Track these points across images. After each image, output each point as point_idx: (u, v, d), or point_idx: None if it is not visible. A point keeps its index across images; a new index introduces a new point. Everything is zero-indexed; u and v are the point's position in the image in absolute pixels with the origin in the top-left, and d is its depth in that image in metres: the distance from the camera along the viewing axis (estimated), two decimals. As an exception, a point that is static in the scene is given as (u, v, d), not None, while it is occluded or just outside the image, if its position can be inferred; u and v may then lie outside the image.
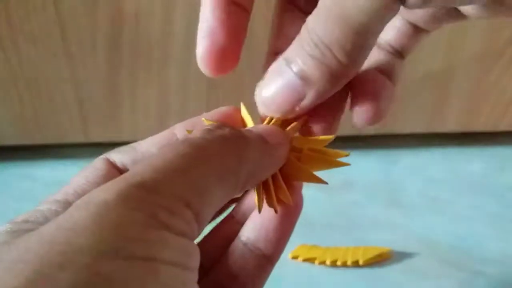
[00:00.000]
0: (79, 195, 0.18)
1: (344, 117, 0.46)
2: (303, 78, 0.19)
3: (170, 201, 0.15)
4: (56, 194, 0.19)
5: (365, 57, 0.19)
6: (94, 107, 0.43)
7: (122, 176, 0.15)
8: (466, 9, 0.20)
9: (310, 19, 0.19)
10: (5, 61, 0.39)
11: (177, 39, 0.39)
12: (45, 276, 0.12)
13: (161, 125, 0.46)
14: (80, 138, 0.44)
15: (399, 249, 0.40)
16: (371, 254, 0.38)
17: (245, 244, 0.21)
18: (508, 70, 0.44)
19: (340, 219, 0.34)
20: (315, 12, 0.18)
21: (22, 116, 0.42)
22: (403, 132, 0.49)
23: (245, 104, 0.23)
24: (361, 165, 0.47)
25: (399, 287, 0.35)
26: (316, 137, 0.21)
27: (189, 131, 0.20)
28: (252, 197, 0.21)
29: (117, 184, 0.14)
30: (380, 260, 0.39)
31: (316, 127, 0.21)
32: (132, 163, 0.20)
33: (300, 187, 0.21)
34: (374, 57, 0.22)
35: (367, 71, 0.21)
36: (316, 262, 0.36)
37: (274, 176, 0.20)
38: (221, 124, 0.18)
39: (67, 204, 0.18)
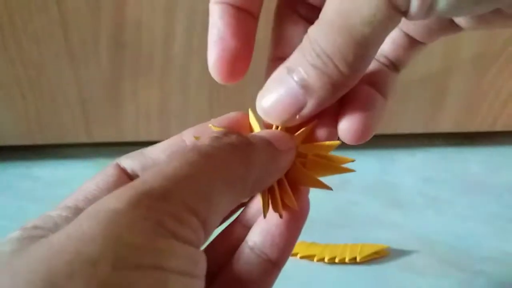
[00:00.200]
0: (90, 201, 0.19)
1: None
2: (304, 87, 0.19)
3: (178, 209, 0.15)
4: (66, 199, 0.19)
5: (366, 68, 0.19)
6: (96, 107, 0.43)
7: (132, 184, 0.15)
8: (461, 21, 0.21)
9: (313, 29, 0.19)
10: (8, 61, 0.40)
11: (179, 40, 0.40)
12: (54, 286, 0.12)
13: (163, 126, 0.47)
14: (82, 138, 0.45)
15: (397, 247, 0.40)
16: (368, 251, 0.38)
17: (251, 249, 0.21)
18: (505, 70, 0.44)
19: (338, 217, 0.35)
20: (318, 22, 0.19)
21: (24, 116, 0.43)
22: (401, 132, 0.50)
23: (247, 106, 0.23)
24: (359, 165, 0.46)
25: (397, 284, 0.35)
26: (321, 143, 0.21)
27: (197, 138, 0.20)
28: (259, 202, 0.21)
29: (127, 192, 0.15)
30: (378, 257, 0.39)
31: (321, 133, 0.21)
32: (141, 169, 0.20)
33: (306, 193, 0.21)
34: (367, 69, 0.22)
35: (358, 84, 0.20)
36: (315, 259, 0.36)
37: (279, 181, 0.20)
38: (228, 131, 0.19)
39: (77, 210, 0.18)
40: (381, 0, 0.17)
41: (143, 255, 0.13)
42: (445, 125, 0.49)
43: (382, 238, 0.41)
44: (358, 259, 0.38)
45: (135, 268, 0.13)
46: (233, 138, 0.18)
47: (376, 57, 0.23)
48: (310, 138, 0.22)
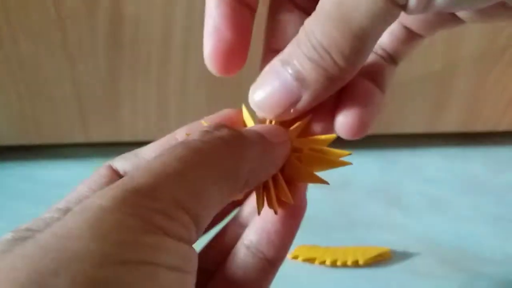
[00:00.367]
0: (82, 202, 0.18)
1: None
2: (299, 80, 0.19)
3: (166, 205, 0.14)
4: (59, 202, 0.19)
5: (363, 62, 0.19)
6: (94, 107, 0.43)
7: (119, 182, 0.15)
8: (462, 13, 0.20)
9: (309, 21, 0.18)
10: (4, 61, 0.39)
11: (177, 40, 0.39)
12: (39, 284, 0.12)
13: (161, 126, 0.46)
14: (79, 138, 0.44)
15: (399, 249, 0.40)
16: (371, 254, 0.38)
17: (248, 248, 0.20)
18: (508, 70, 0.44)
19: (339, 219, 0.34)
20: (314, 14, 0.18)
21: (21, 116, 0.42)
22: (403, 132, 0.49)
23: (242, 102, 0.23)
24: (360, 165, 0.46)
25: (399, 287, 0.35)
26: (317, 137, 0.21)
27: (188, 135, 0.20)
28: (255, 200, 0.21)
29: (113, 190, 0.14)
30: (380, 260, 0.39)
31: (316, 128, 0.21)
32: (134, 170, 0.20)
33: (303, 190, 0.21)
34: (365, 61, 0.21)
35: (355, 77, 0.20)
36: (316, 262, 0.36)
37: (274, 177, 0.20)
38: (219, 125, 0.18)
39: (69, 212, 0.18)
40: None
41: (130, 250, 0.13)
42: (447, 125, 0.49)
43: (383, 240, 0.40)
44: (360, 262, 0.37)
45: (122, 264, 0.13)
46: (224, 131, 0.18)
47: (373, 49, 0.22)
48: (305, 132, 0.21)
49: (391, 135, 0.49)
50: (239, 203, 0.23)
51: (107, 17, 0.38)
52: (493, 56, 0.43)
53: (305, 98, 0.19)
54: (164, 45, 0.40)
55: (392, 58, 0.23)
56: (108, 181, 0.20)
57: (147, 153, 0.21)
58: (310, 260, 0.36)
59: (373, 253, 0.38)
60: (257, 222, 0.21)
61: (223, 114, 0.22)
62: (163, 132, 0.49)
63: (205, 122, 0.21)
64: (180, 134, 0.21)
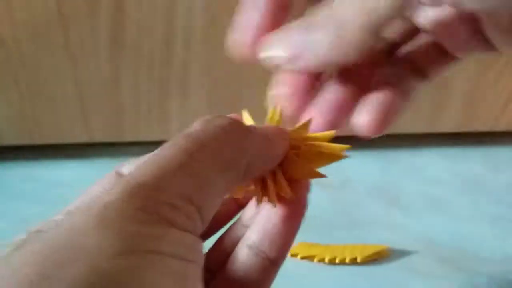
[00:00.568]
0: None
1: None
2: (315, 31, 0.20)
3: (171, 197, 0.15)
4: (69, 205, 0.20)
5: (373, 44, 0.19)
6: (96, 107, 0.43)
7: (123, 179, 0.15)
8: (494, 36, 0.21)
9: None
10: (6, 60, 0.39)
11: (179, 39, 0.40)
12: (48, 277, 0.12)
13: (162, 126, 0.46)
14: (81, 138, 0.45)
15: (398, 248, 0.40)
16: (369, 251, 0.38)
17: (250, 247, 0.21)
18: (506, 70, 0.44)
19: (340, 218, 0.35)
20: None
21: (23, 116, 0.43)
22: (402, 132, 0.49)
23: (246, 106, 0.24)
24: (361, 165, 0.47)
25: (397, 285, 0.35)
26: (315, 134, 0.21)
27: None
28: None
29: (119, 186, 0.15)
30: (378, 258, 0.39)
31: (316, 124, 0.22)
32: None
33: (304, 189, 0.21)
34: (393, 72, 0.23)
35: (383, 84, 0.22)
36: (315, 259, 0.36)
37: (273, 173, 0.20)
38: (220, 115, 0.19)
39: None
40: None
41: (136, 241, 0.13)
42: (447, 125, 0.49)
43: (383, 239, 0.41)
44: (358, 260, 0.37)
45: (128, 254, 0.13)
46: (224, 120, 0.18)
47: (406, 63, 0.23)
48: (304, 132, 0.22)
49: (391, 135, 0.49)
50: (242, 205, 0.23)
51: (109, 17, 0.38)
52: (491, 57, 0.43)
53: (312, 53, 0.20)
54: (165, 45, 0.40)
55: (422, 72, 0.23)
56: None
57: None
58: (309, 258, 0.36)
59: (371, 250, 0.38)
60: (258, 223, 0.21)
61: None
62: (164, 133, 0.49)
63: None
64: None
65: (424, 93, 0.46)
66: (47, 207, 0.41)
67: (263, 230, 0.21)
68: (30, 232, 0.17)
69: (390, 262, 0.39)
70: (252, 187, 0.21)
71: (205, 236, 0.22)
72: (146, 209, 0.14)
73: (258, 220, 0.21)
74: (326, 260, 0.36)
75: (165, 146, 0.16)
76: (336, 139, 0.22)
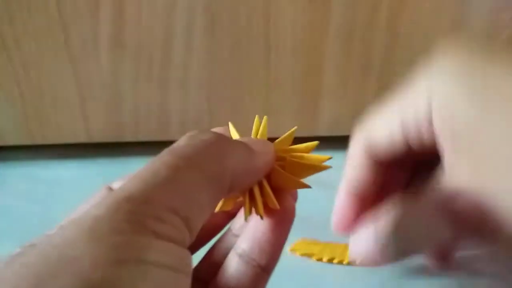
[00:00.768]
0: None
1: (342, 117, 0.46)
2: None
3: (158, 210, 0.15)
4: (62, 221, 0.20)
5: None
6: (96, 107, 0.43)
7: (112, 193, 0.16)
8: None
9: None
10: (7, 61, 0.40)
11: (179, 40, 0.40)
12: (40, 287, 0.13)
13: (162, 126, 0.46)
14: (81, 138, 0.45)
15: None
16: None
17: (240, 256, 0.21)
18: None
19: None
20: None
21: (24, 116, 0.43)
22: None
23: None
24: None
25: (398, 284, 0.35)
26: (299, 145, 0.22)
27: None
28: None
29: (107, 200, 0.15)
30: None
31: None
32: None
33: (291, 197, 0.22)
34: None
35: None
36: (314, 258, 0.36)
37: (260, 185, 0.21)
38: (204, 130, 0.19)
39: None
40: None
41: (124, 251, 0.14)
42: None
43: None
44: (358, 262, 0.37)
45: (116, 264, 0.13)
46: (207, 134, 0.19)
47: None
48: (288, 143, 0.22)
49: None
50: (232, 216, 0.24)
51: (109, 18, 0.38)
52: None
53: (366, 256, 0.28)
54: (165, 46, 0.40)
55: None
56: None
57: None
58: (308, 255, 0.37)
59: None
60: (248, 231, 0.21)
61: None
62: (164, 133, 0.49)
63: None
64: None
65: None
66: (47, 207, 0.42)
67: (253, 238, 0.21)
68: (24, 246, 0.18)
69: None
70: (241, 198, 0.21)
71: (195, 247, 0.23)
72: (133, 221, 0.15)
73: (247, 229, 0.21)
74: (324, 260, 0.36)
75: (151, 161, 0.17)
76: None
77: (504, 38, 0.25)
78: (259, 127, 0.23)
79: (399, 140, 0.26)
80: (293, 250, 0.37)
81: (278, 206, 0.21)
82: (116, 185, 0.22)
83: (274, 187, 0.21)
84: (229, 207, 0.22)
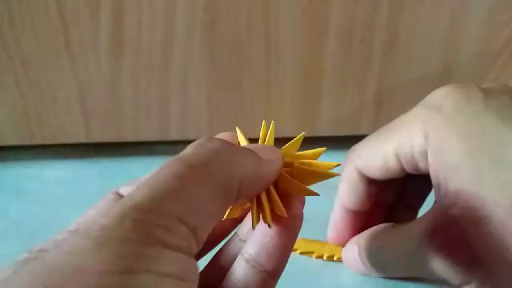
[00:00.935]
0: None
1: (342, 117, 0.46)
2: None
3: (165, 219, 0.15)
4: (71, 225, 0.20)
5: None
6: (96, 107, 0.43)
7: (120, 201, 0.16)
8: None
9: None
10: (8, 61, 0.40)
11: (179, 39, 0.40)
12: None
13: (162, 126, 0.46)
14: (81, 138, 0.45)
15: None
16: None
17: (247, 261, 0.21)
18: (505, 71, 0.44)
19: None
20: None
21: (24, 116, 0.43)
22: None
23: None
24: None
25: (398, 284, 0.35)
26: (306, 151, 0.22)
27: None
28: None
29: (115, 208, 0.15)
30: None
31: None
32: None
33: (299, 203, 0.22)
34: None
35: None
36: (314, 256, 0.37)
37: (268, 192, 0.21)
38: (212, 137, 0.19)
39: None
40: None
41: (131, 261, 0.14)
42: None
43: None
44: None
45: (123, 273, 0.14)
46: (215, 142, 0.19)
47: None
48: (296, 149, 0.22)
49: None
50: (239, 220, 0.24)
51: (109, 18, 0.38)
52: (491, 56, 0.43)
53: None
54: (165, 46, 0.40)
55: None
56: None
57: None
58: (308, 254, 0.37)
59: None
60: (255, 236, 0.21)
61: (219, 136, 0.23)
62: (164, 133, 0.49)
63: None
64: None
65: (423, 93, 0.46)
66: (47, 207, 0.42)
67: (260, 244, 0.21)
68: (32, 251, 0.18)
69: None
70: (249, 204, 0.21)
71: (201, 252, 0.23)
72: (141, 231, 0.15)
73: (255, 234, 0.21)
74: (324, 257, 0.36)
75: (159, 169, 0.17)
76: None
77: (499, 87, 0.29)
78: (266, 133, 0.22)
79: (393, 166, 0.30)
80: (293, 249, 0.37)
81: (286, 214, 0.20)
82: (123, 189, 0.22)
83: (281, 193, 0.21)
84: (236, 214, 0.21)
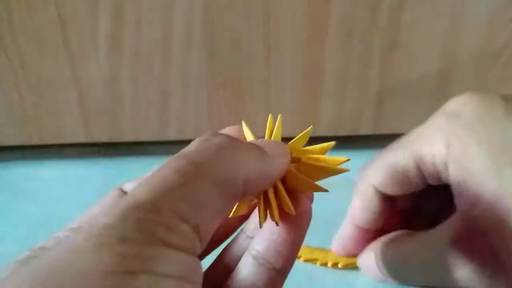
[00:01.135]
0: None
1: (342, 117, 0.46)
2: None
3: (167, 217, 0.15)
4: (73, 223, 0.20)
5: None
6: (95, 107, 0.43)
7: (122, 199, 0.15)
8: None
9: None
10: (6, 62, 0.40)
11: (178, 40, 0.40)
12: None
13: (162, 126, 0.46)
14: (81, 138, 0.45)
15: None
16: None
17: (255, 258, 0.21)
18: (505, 71, 0.44)
19: (340, 217, 0.35)
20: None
21: (23, 117, 0.43)
22: (400, 132, 0.49)
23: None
24: (359, 165, 0.47)
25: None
26: (314, 146, 0.21)
27: None
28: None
29: (117, 207, 0.15)
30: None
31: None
32: None
33: (307, 199, 0.21)
34: None
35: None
36: (318, 263, 0.36)
37: (276, 188, 0.20)
38: (216, 132, 0.19)
39: None
40: None
41: (132, 261, 0.14)
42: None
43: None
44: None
45: (124, 274, 0.13)
46: (220, 138, 0.18)
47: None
48: (303, 143, 0.22)
49: (392, 135, 0.49)
50: (244, 218, 0.23)
51: (108, 18, 0.38)
52: (491, 56, 0.43)
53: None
54: (165, 46, 0.40)
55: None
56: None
57: None
58: (312, 261, 0.36)
59: None
60: (263, 233, 0.21)
61: (225, 131, 0.23)
62: (164, 133, 0.49)
63: None
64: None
65: (424, 93, 0.46)
66: (47, 207, 0.41)
67: (268, 241, 0.20)
68: (33, 249, 0.18)
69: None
70: (256, 200, 0.21)
71: (205, 251, 0.22)
72: (143, 230, 0.14)
73: (262, 230, 0.21)
74: (329, 264, 0.36)
75: (162, 166, 0.17)
76: (335, 139, 0.22)
77: None
78: (273, 128, 0.22)
79: (414, 178, 0.29)
80: (297, 257, 0.37)
81: (294, 212, 0.20)
82: (127, 186, 0.22)
83: (289, 189, 0.20)
84: (243, 212, 0.21)
